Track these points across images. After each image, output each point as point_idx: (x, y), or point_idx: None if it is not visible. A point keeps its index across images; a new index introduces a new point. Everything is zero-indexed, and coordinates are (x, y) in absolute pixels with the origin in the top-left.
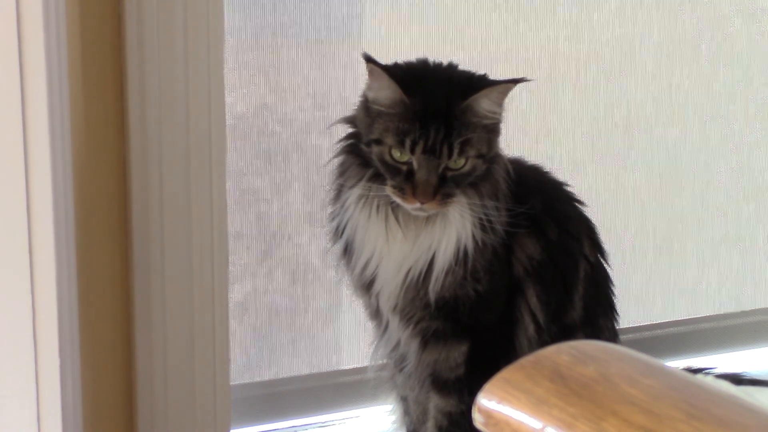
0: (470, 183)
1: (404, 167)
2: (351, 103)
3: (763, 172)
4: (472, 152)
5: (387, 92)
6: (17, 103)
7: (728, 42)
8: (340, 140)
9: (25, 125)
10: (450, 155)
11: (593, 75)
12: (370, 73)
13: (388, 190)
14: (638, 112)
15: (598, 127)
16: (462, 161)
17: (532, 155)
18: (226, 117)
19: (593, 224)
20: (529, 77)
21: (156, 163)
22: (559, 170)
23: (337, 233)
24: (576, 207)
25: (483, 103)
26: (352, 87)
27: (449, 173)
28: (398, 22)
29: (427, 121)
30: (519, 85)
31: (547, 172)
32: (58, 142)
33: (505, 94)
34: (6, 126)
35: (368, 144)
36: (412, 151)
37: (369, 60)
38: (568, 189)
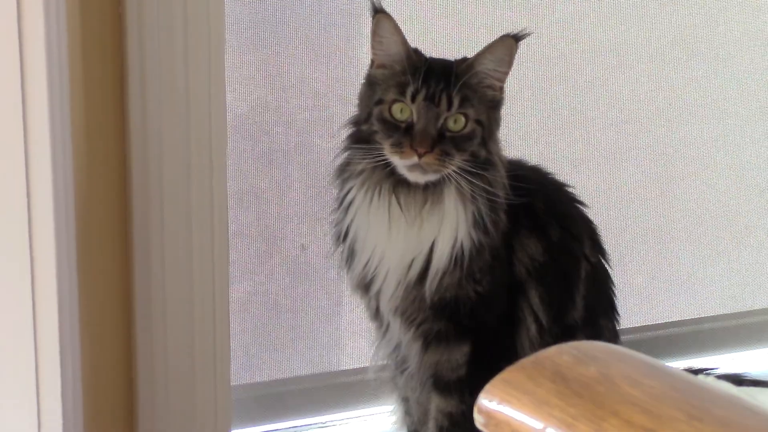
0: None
1: (403, 125)
2: (352, 102)
3: (763, 170)
4: (471, 112)
5: (394, 46)
6: (18, 102)
7: (725, 40)
8: (343, 140)
9: (26, 125)
10: (449, 107)
11: (591, 74)
12: (378, 24)
13: (386, 150)
14: (638, 111)
15: (596, 127)
16: (462, 121)
17: (532, 155)
18: (227, 116)
19: (594, 225)
20: (528, 31)
21: (157, 163)
22: (559, 170)
23: (340, 238)
24: (577, 208)
25: (484, 60)
26: (353, 85)
27: (448, 133)
28: (399, 20)
29: (429, 75)
30: (518, 86)
31: (548, 173)
32: (59, 142)
33: (507, 52)
34: (7, 125)
35: (368, 116)
36: (413, 99)
37: (379, 10)
38: (569, 190)
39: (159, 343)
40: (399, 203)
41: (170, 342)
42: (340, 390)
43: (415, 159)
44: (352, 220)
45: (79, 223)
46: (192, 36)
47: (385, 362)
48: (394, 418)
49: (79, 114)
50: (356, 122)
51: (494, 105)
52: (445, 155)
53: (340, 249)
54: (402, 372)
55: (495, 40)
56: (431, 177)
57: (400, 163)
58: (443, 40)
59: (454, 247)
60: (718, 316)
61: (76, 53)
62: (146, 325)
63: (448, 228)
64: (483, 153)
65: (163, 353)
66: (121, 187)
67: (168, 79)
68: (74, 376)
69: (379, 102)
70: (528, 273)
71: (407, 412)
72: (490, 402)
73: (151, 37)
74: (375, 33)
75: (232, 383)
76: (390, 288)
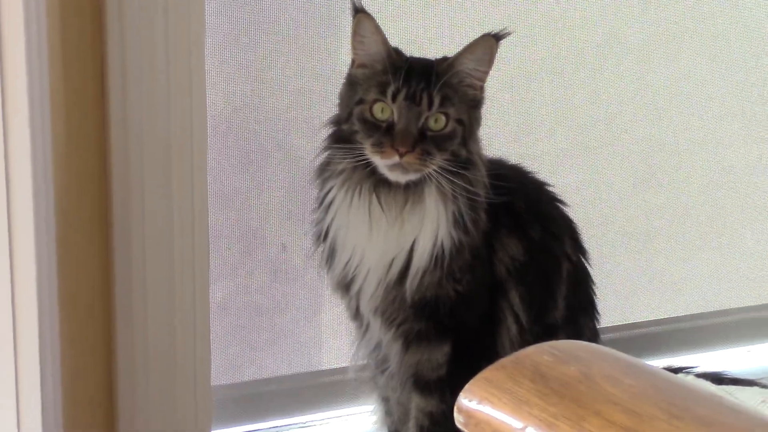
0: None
1: (384, 124)
2: (333, 102)
3: (742, 169)
4: (452, 112)
5: (375, 46)
6: None
7: (707, 40)
8: (324, 140)
9: (6, 129)
10: (430, 106)
11: (573, 72)
12: (359, 24)
13: (367, 150)
14: (619, 109)
15: (578, 125)
16: (442, 121)
17: (513, 153)
18: (207, 115)
19: (575, 224)
20: (509, 30)
21: (137, 162)
22: (540, 167)
23: (320, 237)
24: (558, 207)
25: (465, 60)
26: (334, 85)
27: (429, 133)
28: (381, 18)
29: (410, 74)
30: (499, 84)
31: (529, 172)
32: (39, 143)
33: (488, 52)
34: None
35: (349, 116)
36: (394, 99)
37: (360, 10)
38: (550, 189)
39: (139, 343)
40: (380, 203)
41: (150, 342)
42: (320, 390)
43: (396, 158)
44: (332, 220)
45: (60, 223)
46: (172, 34)
47: (365, 362)
48: (374, 418)
49: (59, 114)
50: (337, 122)
51: (475, 104)
52: (426, 155)
53: (320, 248)
54: (382, 372)
55: (475, 39)
56: (412, 176)
57: (381, 163)
58: (424, 39)
59: (434, 246)
60: (697, 314)
61: (57, 53)
62: (126, 326)
63: (428, 227)
64: (464, 152)
65: (144, 354)
66: (102, 187)
67: (149, 78)
68: (54, 377)
69: (360, 102)
70: (508, 273)
71: (387, 412)
72: (470, 401)
73: (132, 36)
74: (356, 33)
75: (213, 383)
76: (370, 287)
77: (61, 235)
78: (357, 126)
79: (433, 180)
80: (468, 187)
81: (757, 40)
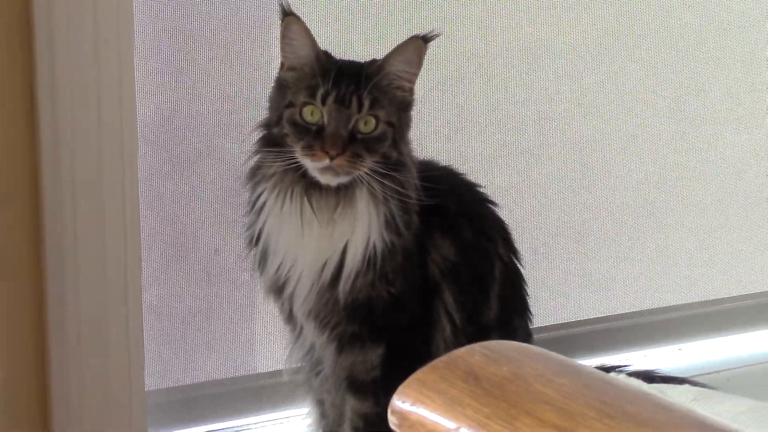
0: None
1: (314, 127)
2: (263, 105)
3: (673, 170)
4: (382, 114)
5: (304, 49)
6: None
7: (638, 39)
8: (255, 143)
9: None
10: (360, 108)
11: (504, 72)
12: (288, 27)
13: (298, 153)
14: (550, 109)
15: (509, 126)
16: (372, 123)
17: (443, 155)
18: (138, 120)
19: (506, 225)
20: (437, 32)
21: (68, 167)
22: (471, 169)
23: (252, 241)
24: (489, 208)
25: (394, 62)
26: (264, 88)
27: (359, 135)
28: (310, 21)
29: (339, 77)
30: (429, 85)
31: (459, 174)
32: None
33: (416, 53)
34: None
35: (279, 119)
36: (324, 102)
37: (288, 13)
38: (481, 190)
39: (72, 348)
40: (311, 205)
41: (84, 347)
42: (255, 393)
43: (326, 161)
44: (264, 223)
45: None
46: (102, 41)
47: (299, 365)
48: (309, 421)
49: None
50: (267, 125)
51: (405, 106)
52: (357, 157)
53: (253, 252)
54: (317, 374)
55: (404, 42)
56: (343, 179)
57: (312, 166)
58: (353, 42)
59: (366, 248)
60: (629, 313)
61: None
62: (59, 331)
63: (360, 229)
64: (394, 154)
65: (77, 359)
66: (33, 192)
67: (78, 85)
68: None
69: (290, 105)
70: (441, 273)
71: (322, 414)
72: (403, 403)
73: (61, 44)
74: (284, 36)
75: (147, 388)
76: (303, 290)
77: None
78: (287, 129)
79: (364, 182)
80: (399, 189)
81: (686, 38)
